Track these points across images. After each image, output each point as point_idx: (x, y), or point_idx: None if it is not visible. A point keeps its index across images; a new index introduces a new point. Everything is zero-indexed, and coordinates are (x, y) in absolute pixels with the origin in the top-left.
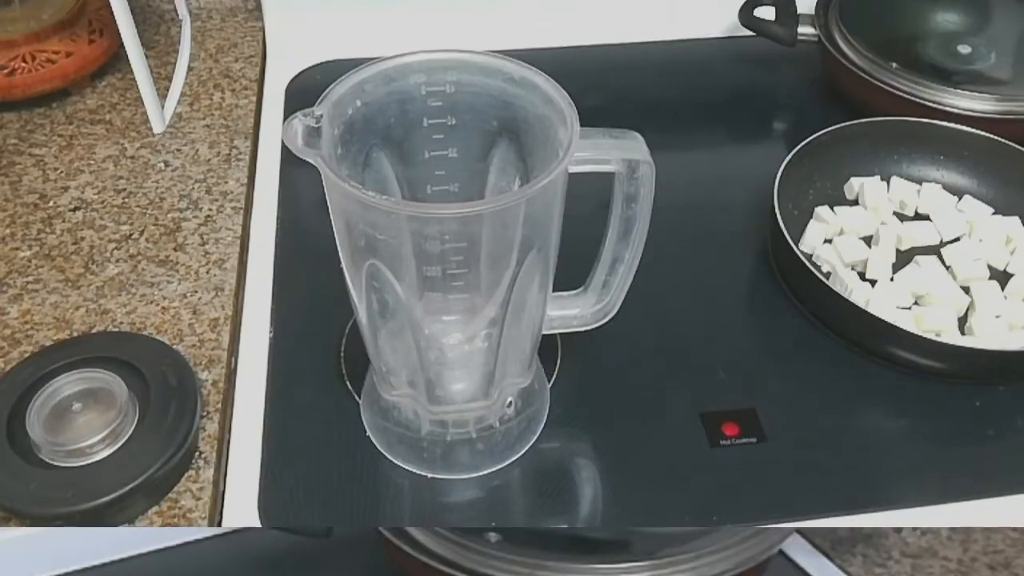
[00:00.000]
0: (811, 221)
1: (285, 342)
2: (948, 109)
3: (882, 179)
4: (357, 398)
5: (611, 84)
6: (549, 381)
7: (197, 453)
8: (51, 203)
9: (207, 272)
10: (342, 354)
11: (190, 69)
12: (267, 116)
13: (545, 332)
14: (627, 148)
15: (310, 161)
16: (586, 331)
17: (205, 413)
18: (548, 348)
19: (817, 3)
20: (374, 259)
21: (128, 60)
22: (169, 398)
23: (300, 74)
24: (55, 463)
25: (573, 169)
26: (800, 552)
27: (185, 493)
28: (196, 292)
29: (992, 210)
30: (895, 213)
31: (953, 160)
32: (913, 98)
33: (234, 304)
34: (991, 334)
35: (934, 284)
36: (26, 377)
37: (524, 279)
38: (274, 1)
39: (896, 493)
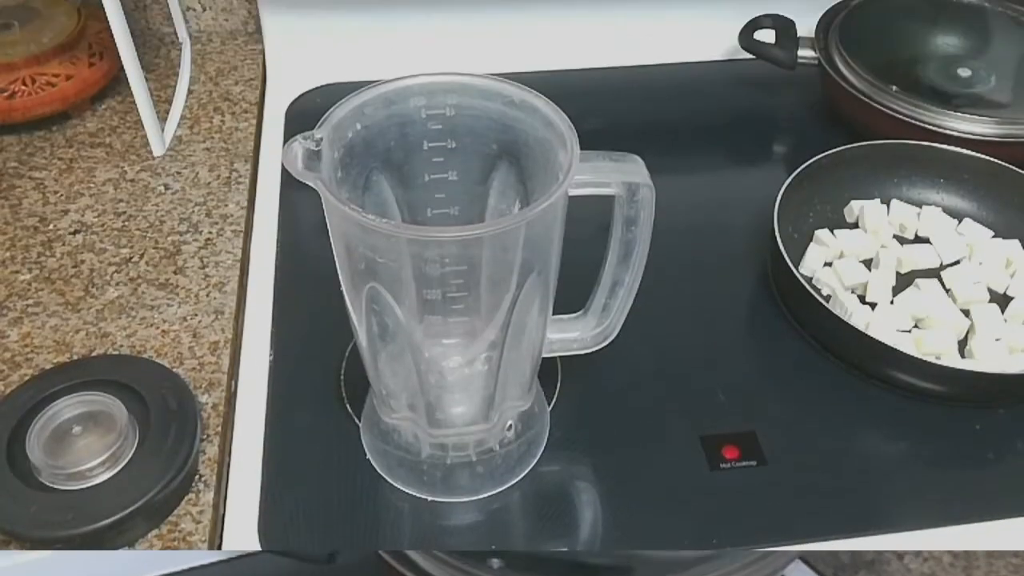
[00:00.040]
0: (811, 244)
1: (285, 365)
2: (948, 132)
3: (882, 202)
4: (357, 421)
5: (611, 107)
6: (549, 404)
7: (197, 476)
8: (51, 226)
9: (207, 295)
10: (342, 377)
11: (190, 92)
12: (267, 139)
13: (545, 355)
14: (627, 171)
15: (310, 184)
16: (586, 354)
17: (205, 436)
18: (548, 371)
19: (817, 26)
20: (374, 282)
21: (128, 83)
22: (169, 421)
23: (300, 97)
24: (55, 486)
25: (573, 192)
26: None
27: (185, 516)
28: (196, 315)
29: (992, 233)
30: (895, 236)
31: (953, 183)
32: (913, 121)
33: (234, 327)
34: (991, 357)
35: (934, 307)
36: (26, 400)
37: (524, 302)
38: (274, 24)
39: (896, 516)
